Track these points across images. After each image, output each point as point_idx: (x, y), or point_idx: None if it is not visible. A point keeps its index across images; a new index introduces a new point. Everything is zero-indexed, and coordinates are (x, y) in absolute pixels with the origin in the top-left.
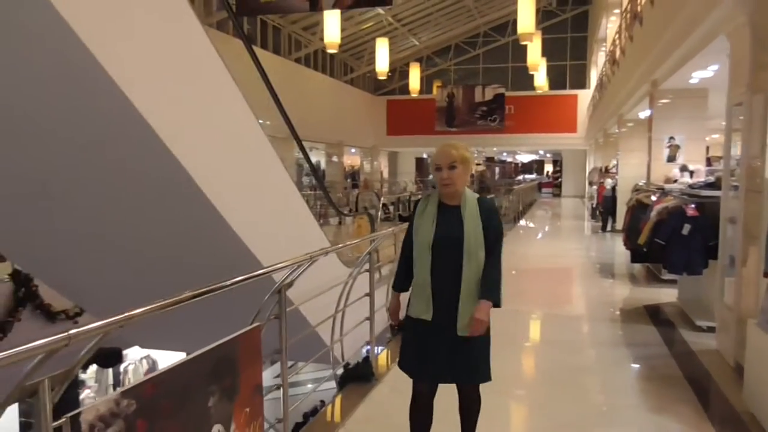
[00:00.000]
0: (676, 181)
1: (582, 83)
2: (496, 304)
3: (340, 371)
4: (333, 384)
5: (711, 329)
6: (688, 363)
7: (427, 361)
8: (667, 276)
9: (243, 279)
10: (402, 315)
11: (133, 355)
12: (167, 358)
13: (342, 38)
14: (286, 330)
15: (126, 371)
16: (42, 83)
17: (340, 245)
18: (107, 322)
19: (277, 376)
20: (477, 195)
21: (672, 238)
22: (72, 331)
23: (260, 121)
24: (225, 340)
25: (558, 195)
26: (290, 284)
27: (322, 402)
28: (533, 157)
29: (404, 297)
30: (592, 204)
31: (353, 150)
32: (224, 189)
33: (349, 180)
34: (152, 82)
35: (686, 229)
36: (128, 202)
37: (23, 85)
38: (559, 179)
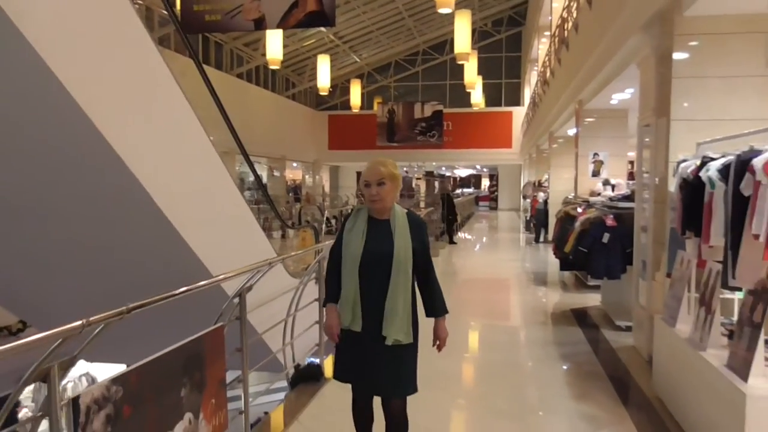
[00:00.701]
0: (599, 194)
1: (517, 101)
2: (446, 312)
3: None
4: (278, 395)
5: (629, 328)
6: (608, 358)
7: (360, 371)
8: (592, 282)
9: (205, 284)
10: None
11: (73, 372)
12: (106, 374)
13: (284, 54)
14: (246, 330)
15: (65, 389)
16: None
17: (299, 252)
18: (111, 312)
19: (235, 380)
20: (406, 210)
21: (594, 246)
22: (85, 320)
23: None
24: (193, 337)
25: (495, 208)
26: (250, 288)
27: (266, 413)
28: (471, 171)
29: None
30: (526, 216)
31: (295, 164)
32: (177, 203)
33: (291, 194)
34: (111, 101)
35: (606, 237)
36: (83, 218)
37: None
38: (496, 193)
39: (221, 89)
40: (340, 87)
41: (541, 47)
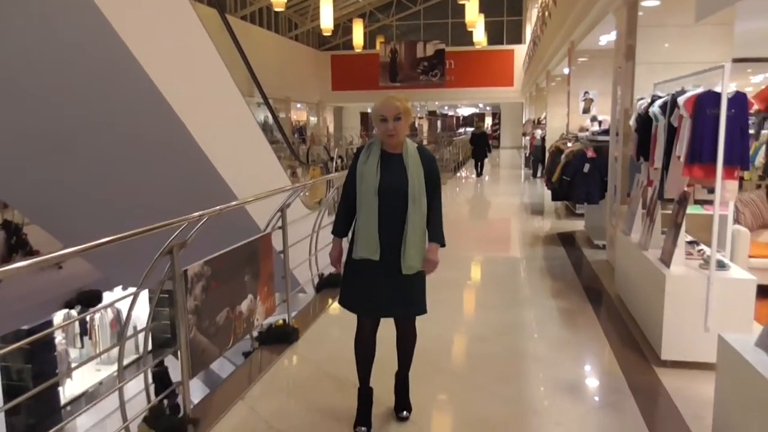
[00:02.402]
0: (588, 130)
1: (518, 39)
2: (442, 244)
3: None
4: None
5: (605, 246)
6: (583, 269)
7: (371, 298)
8: (580, 210)
9: (265, 194)
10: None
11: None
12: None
13: None
14: (287, 237)
15: (93, 319)
16: (64, 51)
17: (327, 176)
18: (211, 210)
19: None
20: (416, 144)
21: (576, 176)
22: (198, 213)
23: None
24: (251, 239)
25: (497, 147)
26: (289, 205)
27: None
28: (474, 110)
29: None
30: (525, 153)
31: (299, 105)
32: (212, 139)
33: (296, 135)
34: (159, 49)
35: (586, 167)
36: (132, 156)
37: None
38: (498, 131)
39: (226, 32)
40: (342, 27)
41: None
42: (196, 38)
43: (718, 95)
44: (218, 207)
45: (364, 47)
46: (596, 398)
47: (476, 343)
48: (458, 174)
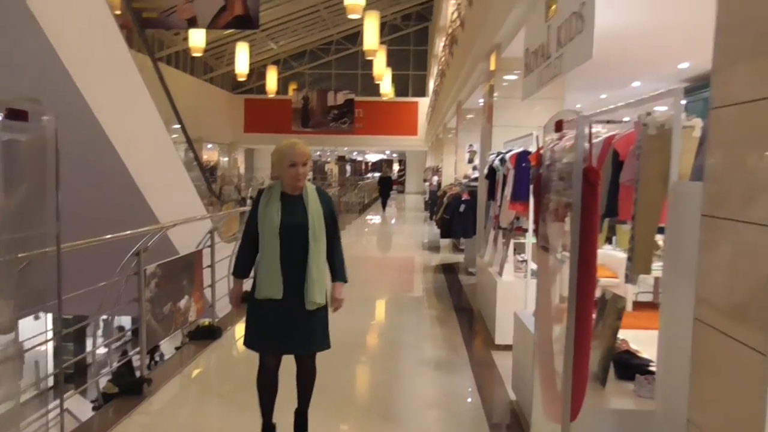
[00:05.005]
0: (469, 177)
1: (422, 92)
2: (346, 281)
3: None
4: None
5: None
6: (455, 289)
7: (276, 336)
8: (463, 246)
9: (200, 217)
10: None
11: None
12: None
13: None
14: (215, 254)
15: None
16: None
17: (237, 209)
18: (169, 223)
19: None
20: (314, 186)
21: (454, 214)
22: (160, 225)
23: None
24: (189, 252)
25: (402, 191)
26: (217, 228)
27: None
28: (382, 156)
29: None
30: (424, 198)
31: (210, 146)
32: (141, 168)
33: (207, 174)
34: (106, 95)
35: (462, 207)
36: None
37: None
38: (404, 177)
39: (143, 72)
40: (256, 71)
41: (442, 45)
42: (136, 87)
43: (529, 153)
44: (175, 222)
45: (278, 93)
46: (445, 368)
47: (366, 336)
48: (363, 215)
